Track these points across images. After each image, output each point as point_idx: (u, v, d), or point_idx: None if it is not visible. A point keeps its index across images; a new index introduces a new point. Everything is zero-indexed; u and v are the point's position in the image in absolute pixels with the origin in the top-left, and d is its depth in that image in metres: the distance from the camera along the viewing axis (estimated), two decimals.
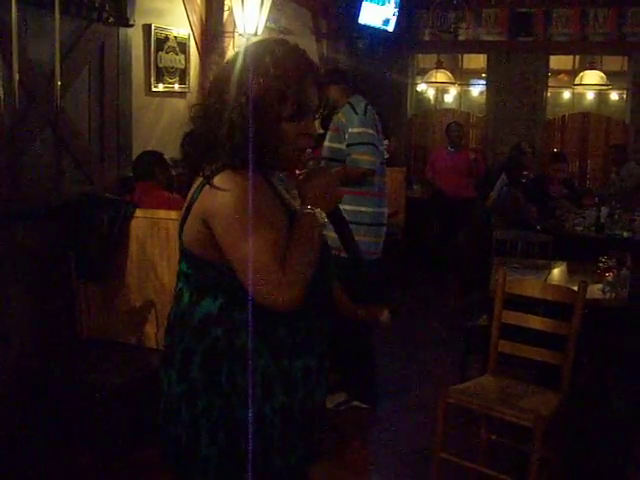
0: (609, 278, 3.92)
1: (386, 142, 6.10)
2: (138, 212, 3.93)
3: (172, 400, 1.78)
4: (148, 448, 3.59)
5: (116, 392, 3.60)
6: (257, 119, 1.68)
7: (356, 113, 4.39)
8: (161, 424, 1.84)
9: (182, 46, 5.48)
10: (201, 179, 1.70)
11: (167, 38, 5.28)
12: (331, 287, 1.89)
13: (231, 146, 1.67)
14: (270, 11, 5.92)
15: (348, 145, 4.34)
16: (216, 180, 1.65)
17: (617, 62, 10.04)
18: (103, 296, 4.06)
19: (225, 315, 1.72)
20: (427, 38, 9.84)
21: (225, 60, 1.81)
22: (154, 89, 5.21)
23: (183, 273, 1.79)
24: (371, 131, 4.39)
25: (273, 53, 1.72)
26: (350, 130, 4.36)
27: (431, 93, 10.66)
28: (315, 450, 1.92)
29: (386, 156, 4.99)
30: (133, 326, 3.99)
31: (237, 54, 1.76)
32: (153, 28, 5.11)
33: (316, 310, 1.80)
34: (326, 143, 4.50)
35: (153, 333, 3.94)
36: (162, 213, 3.87)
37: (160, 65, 5.24)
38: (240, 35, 5.81)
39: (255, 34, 5.76)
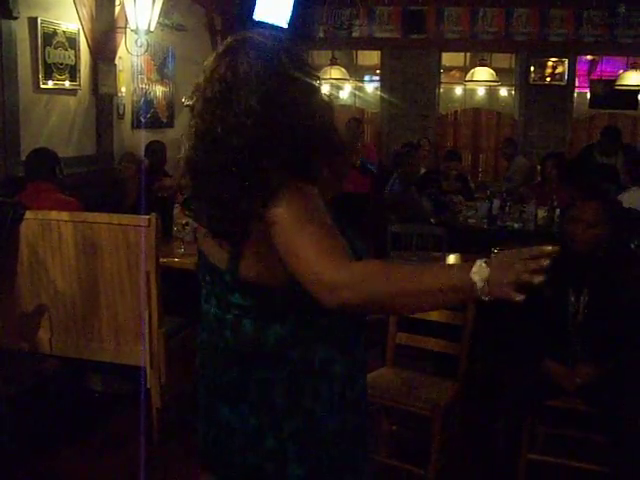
0: None
1: None
2: (28, 214, 3.75)
3: (248, 433, 1.69)
4: (45, 458, 3.49)
5: (9, 401, 3.47)
6: (319, 130, 1.61)
7: None
8: (227, 459, 1.74)
9: (72, 41, 5.31)
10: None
11: (55, 33, 5.10)
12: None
13: (302, 161, 1.57)
14: (163, 6, 5.83)
15: None
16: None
17: (505, 59, 10.40)
18: None
19: (298, 336, 1.65)
20: (321, 34, 9.91)
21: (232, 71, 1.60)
22: (43, 86, 5.03)
23: (237, 305, 1.67)
24: None
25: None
26: None
27: (326, 89, 10.73)
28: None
29: None
30: (26, 332, 3.85)
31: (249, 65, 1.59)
32: (40, 22, 4.91)
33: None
34: None
35: (47, 339, 3.81)
36: (54, 214, 3.73)
37: (49, 61, 5.06)
38: (132, 31, 5.69)
39: (148, 30, 5.65)
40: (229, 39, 1.67)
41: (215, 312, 1.72)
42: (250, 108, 1.55)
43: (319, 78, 1.69)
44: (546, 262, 1.30)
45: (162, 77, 6.92)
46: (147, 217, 3.52)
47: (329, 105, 1.68)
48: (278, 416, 1.67)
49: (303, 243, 1.49)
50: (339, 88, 10.72)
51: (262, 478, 1.71)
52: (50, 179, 4.13)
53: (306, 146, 1.57)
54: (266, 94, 1.56)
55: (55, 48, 5.12)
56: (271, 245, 1.54)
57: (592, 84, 10.06)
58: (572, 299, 3.25)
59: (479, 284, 1.33)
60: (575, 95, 9.99)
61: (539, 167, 7.36)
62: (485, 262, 1.33)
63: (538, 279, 1.29)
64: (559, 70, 9.62)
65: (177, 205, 4.72)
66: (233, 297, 1.67)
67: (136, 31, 5.64)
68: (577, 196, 3.45)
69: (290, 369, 1.66)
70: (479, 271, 1.33)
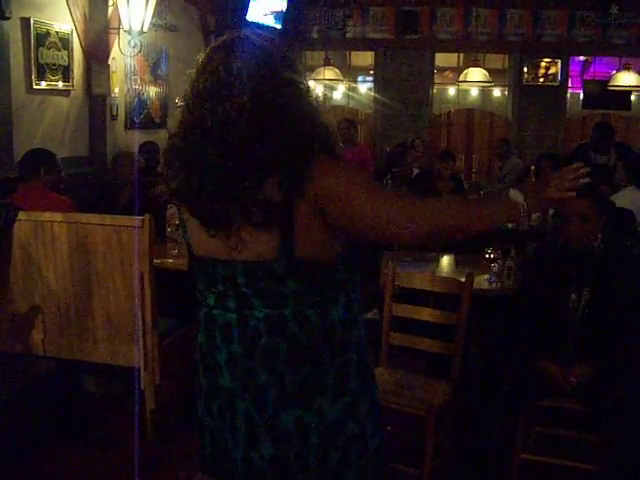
0: (495, 269, 4.06)
1: None
2: (21, 215, 3.72)
3: (327, 429, 1.67)
4: (39, 460, 3.48)
5: (3, 403, 3.46)
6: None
7: None
8: (298, 473, 1.71)
9: (65, 42, 5.30)
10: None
11: (48, 33, 5.09)
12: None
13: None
14: (156, 7, 5.82)
15: None
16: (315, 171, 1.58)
17: (499, 60, 10.42)
18: None
19: (354, 314, 1.73)
20: (315, 35, 9.91)
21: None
22: (36, 87, 5.01)
23: (292, 294, 1.64)
24: None
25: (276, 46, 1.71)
26: None
27: (319, 90, 10.73)
28: None
29: None
30: (19, 334, 3.83)
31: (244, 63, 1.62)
32: (32, 22, 4.90)
33: None
34: None
35: (40, 340, 3.80)
36: (47, 215, 3.71)
37: (41, 61, 5.04)
38: (125, 31, 5.68)
39: (141, 30, 5.64)
40: (225, 36, 1.69)
41: (266, 313, 1.66)
42: (241, 106, 1.57)
43: (306, 84, 1.72)
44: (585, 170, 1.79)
45: (155, 78, 6.91)
46: (141, 218, 3.51)
47: (316, 109, 1.70)
48: (354, 399, 1.71)
49: (374, 198, 1.60)
50: (333, 89, 10.71)
51: (345, 469, 1.71)
52: (40, 179, 4.10)
53: (296, 146, 1.59)
54: (257, 93, 1.58)
55: (48, 49, 5.10)
56: (323, 218, 1.59)
57: (585, 85, 10.09)
58: (574, 297, 3.25)
59: (522, 203, 1.72)
60: (568, 96, 10.02)
61: (533, 167, 7.36)
62: (514, 190, 1.76)
63: (584, 180, 1.82)
64: (552, 71, 9.65)
65: (171, 205, 4.71)
66: (286, 287, 1.64)
67: (129, 32, 5.63)
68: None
69: (357, 349, 1.72)
70: (516, 195, 1.75)
